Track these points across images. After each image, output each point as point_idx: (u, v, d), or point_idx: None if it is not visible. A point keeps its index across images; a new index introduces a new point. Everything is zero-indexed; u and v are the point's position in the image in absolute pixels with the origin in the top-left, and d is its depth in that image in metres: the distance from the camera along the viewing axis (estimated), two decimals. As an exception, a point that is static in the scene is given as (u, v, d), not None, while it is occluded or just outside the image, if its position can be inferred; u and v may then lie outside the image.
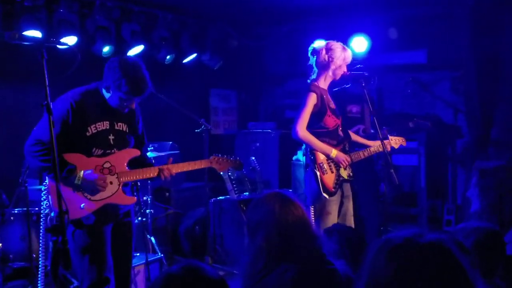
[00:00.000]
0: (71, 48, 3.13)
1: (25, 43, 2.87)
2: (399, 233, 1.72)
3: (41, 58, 2.84)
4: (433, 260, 1.62)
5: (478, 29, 7.59)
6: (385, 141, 5.17)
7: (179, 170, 4.15)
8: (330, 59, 4.96)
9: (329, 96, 5.07)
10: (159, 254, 5.97)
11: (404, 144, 5.47)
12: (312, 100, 4.89)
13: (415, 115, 7.22)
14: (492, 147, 7.74)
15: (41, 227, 4.72)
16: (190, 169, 4.26)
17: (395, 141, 5.37)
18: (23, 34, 2.86)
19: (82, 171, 3.72)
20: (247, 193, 7.23)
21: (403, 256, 1.64)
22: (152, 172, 4.03)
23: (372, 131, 5.85)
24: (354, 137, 5.33)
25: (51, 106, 2.91)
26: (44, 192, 3.96)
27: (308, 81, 5.05)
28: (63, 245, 2.57)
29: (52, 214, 3.82)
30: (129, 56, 3.82)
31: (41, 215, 4.51)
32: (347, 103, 6.51)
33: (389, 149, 5.21)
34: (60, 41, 3.03)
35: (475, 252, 2.64)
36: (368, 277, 1.70)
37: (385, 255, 1.67)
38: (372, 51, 8.08)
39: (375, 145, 5.21)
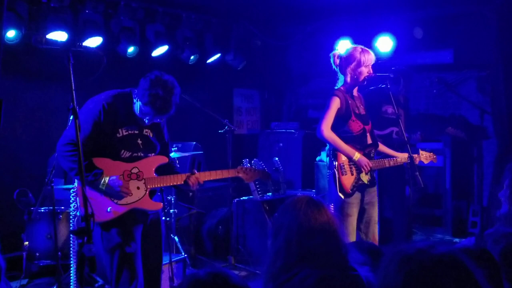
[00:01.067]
0: (97, 52, 3.15)
1: (52, 47, 2.90)
2: (412, 243, 1.72)
3: (67, 63, 2.87)
4: (444, 272, 1.61)
5: (506, 28, 7.47)
6: (414, 155, 5.13)
7: (206, 179, 4.18)
8: (344, 63, 4.96)
9: (355, 102, 5.04)
10: (183, 253, 5.99)
11: (435, 161, 5.40)
12: (335, 103, 4.89)
13: (438, 116, 7.13)
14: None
15: (70, 228, 4.78)
16: (217, 177, 4.28)
17: (425, 157, 5.30)
18: (49, 39, 2.90)
19: (108, 177, 3.76)
20: (270, 193, 7.22)
21: (414, 266, 1.64)
22: (179, 179, 4.05)
23: (406, 135, 5.74)
24: (382, 147, 5.28)
25: (82, 107, 2.94)
26: (73, 194, 4.01)
27: (336, 87, 5.03)
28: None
29: (78, 213, 3.86)
30: (167, 74, 3.82)
31: (71, 217, 4.56)
32: (383, 103, 6.46)
33: (417, 162, 5.17)
34: (86, 46, 3.05)
35: (503, 258, 2.60)
36: (380, 285, 1.71)
37: (396, 264, 1.67)
38: (397, 51, 8.02)
39: (401, 157, 5.14)
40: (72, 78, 2.88)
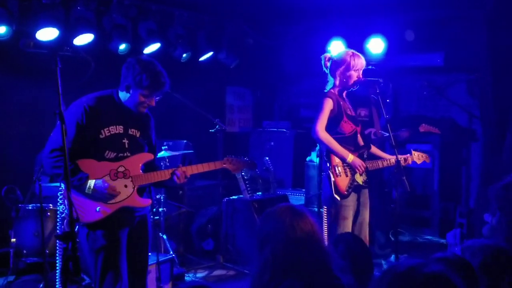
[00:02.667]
0: (85, 57, 3.16)
1: (40, 51, 2.91)
2: (405, 261, 1.75)
3: (55, 67, 2.87)
4: None
5: (495, 33, 7.52)
6: (407, 155, 5.18)
7: (193, 172, 4.17)
8: (334, 66, 5.00)
9: (346, 103, 5.08)
10: (171, 252, 6.01)
11: (428, 161, 5.36)
12: (328, 105, 4.91)
13: (428, 118, 7.19)
14: (506, 151, 7.69)
15: (57, 228, 4.79)
16: (204, 170, 4.26)
17: (417, 156, 5.26)
18: (38, 41, 2.91)
19: (93, 181, 3.75)
20: (260, 193, 7.25)
21: (405, 284, 1.66)
22: (166, 174, 4.05)
23: (386, 134, 5.79)
24: (374, 149, 5.29)
25: (65, 111, 2.95)
26: (60, 197, 4.01)
27: (325, 90, 5.06)
28: (73, 252, 2.61)
29: (65, 213, 3.86)
30: (144, 55, 3.89)
31: (58, 219, 4.56)
32: (355, 106, 6.51)
33: (410, 162, 5.20)
34: (74, 50, 3.06)
35: (482, 271, 2.64)
36: None
37: (388, 282, 1.70)
38: (388, 52, 8.06)
39: (394, 158, 5.06)
40: (60, 83, 2.88)
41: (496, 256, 2.71)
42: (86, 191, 3.72)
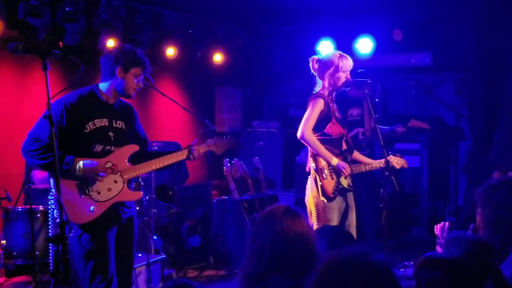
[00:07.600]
0: (74, 60, 3.16)
1: (28, 54, 2.91)
2: (345, 249, 1.78)
3: (44, 69, 2.87)
4: (370, 280, 1.68)
5: (484, 32, 7.59)
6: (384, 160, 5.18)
7: (161, 165, 4.07)
8: (322, 68, 5.00)
9: (335, 105, 5.09)
10: (161, 254, 6.02)
11: (405, 166, 5.33)
12: (319, 105, 4.91)
13: (417, 117, 7.23)
14: (494, 150, 7.76)
15: (49, 233, 4.78)
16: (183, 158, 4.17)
17: (396, 161, 5.25)
18: (26, 46, 2.90)
19: (82, 161, 3.72)
20: (250, 192, 7.27)
21: (342, 273, 1.71)
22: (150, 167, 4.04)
23: (387, 128, 5.76)
24: (356, 154, 5.30)
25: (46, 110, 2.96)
26: (51, 201, 3.99)
27: (314, 92, 5.07)
28: (63, 255, 2.62)
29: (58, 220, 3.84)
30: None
31: (49, 222, 4.54)
32: (348, 106, 6.53)
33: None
34: (63, 53, 3.05)
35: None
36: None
37: (327, 271, 1.75)
38: (377, 52, 8.11)
39: (376, 163, 5.14)
40: (48, 86, 2.88)
41: (481, 252, 2.73)
42: (76, 174, 3.69)
